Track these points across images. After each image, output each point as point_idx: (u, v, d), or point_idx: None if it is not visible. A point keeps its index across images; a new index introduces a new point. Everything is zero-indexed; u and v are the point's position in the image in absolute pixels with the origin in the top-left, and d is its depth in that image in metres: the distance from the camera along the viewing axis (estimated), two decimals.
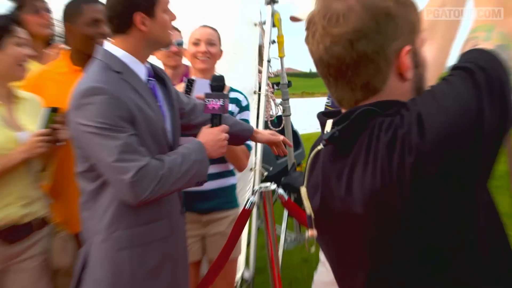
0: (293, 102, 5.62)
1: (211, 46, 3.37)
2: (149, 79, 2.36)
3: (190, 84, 3.16)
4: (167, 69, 3.74)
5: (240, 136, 2.95)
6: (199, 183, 2.31)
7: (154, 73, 2.46)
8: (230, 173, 3.42)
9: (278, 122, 5.82)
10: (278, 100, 5.48)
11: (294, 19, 2.73)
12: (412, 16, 1.24)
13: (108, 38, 2.34)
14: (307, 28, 1.27)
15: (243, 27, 4.93)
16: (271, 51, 5.02)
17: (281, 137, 3.13)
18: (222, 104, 2.47)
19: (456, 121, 1.08)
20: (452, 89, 1.12)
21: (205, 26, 3.47)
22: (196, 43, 3.37)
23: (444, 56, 1.61)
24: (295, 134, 7.90)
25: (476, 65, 1.15)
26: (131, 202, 2.14)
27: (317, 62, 1.27)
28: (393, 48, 1.21)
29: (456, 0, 1.60)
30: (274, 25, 5.07)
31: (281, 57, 5.25)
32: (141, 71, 2.32)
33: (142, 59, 2.34)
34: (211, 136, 2.40)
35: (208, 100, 2.47)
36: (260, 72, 5.00)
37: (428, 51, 1.52)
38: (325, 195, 1.29)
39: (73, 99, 2.14)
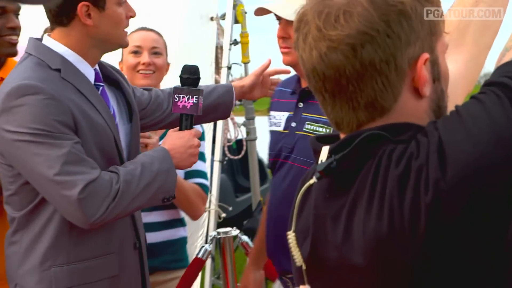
0: (259, 122, 5.59)
1: (156, 56, 3.36)
2: (96, 84, 2.39)
3: None
4: None
5: (222, 103, 2.91)
6: (166, 199, 2.36)
7: (105, 75, 2.48)
8: (180, 223, 3.39)
9: (237, 149, 5.82)
10: (240, 119, 5.47)
11: (261, 11, 2.73)
12: None
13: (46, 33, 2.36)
14: (297, 29, 1.29)
15: (194, 22, 4.91)
16: (232, 55, 5.02)
17: (267, 60, 3.07)
18: (195, 102, 2.48)
19: (488, 151, 1.11)
20: (484, 111, 1.15)
21: (145, 28, 3.44)
22: (136, 52, 3.35)
23: (476, 68, 1.64)
24: (261, 164, 7.92)
25: None
26: (81, 224, 2.18)
27: (310, 73, 1.28)
28: (407, 56, 1.23)
29: None
30: (236, 21, 5.07)
31: (245, 63, 5.24)
32: (88, 73, 2.35)
33: (90, 60, 2.36)
34: (180, 142, 2.44)
35: (178, 97, 2.49)
36: (217, 82, 5.00)
37: (455, 61, 1.56)
38: (317, 241, 1.31)
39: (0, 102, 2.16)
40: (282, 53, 2.67)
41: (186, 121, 2.51)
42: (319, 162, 1.28)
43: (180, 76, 2.54)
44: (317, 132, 2.66)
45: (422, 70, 1.25)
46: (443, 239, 1.13)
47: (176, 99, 2.48)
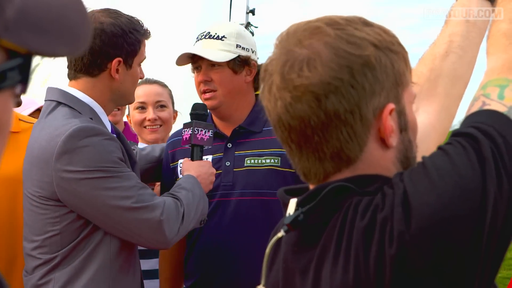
0: None
1: (161, 110, 3.43)
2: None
3: None
4: None
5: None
6: (203, 221, 2.60)
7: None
8: None
9: None
10: None
11: (183, 61, 2.79)
12: (398, 65, 1.26)
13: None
14: (262, 79, 1.29)
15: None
16: None
17: None
18: (210, 135, 2.73)
19: (451, 203, 1.11)
20: (449, 162, 1.15)
21: (149, 81, 3.48)
22: (141, 107, 3.41)
23: (447, 119, 1.62)
24: None
25: (482, 131, 1.18)
26: (160, 245, 2.49)
27: (275, 124, 1.28)
28: (372, 107, 1.23)
29: (466, 37, 1.64)
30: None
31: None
32: (108, 125, 2.48)
33: (107, 113, 2.51)
34: (203, 169, 2.65)
35: (197, 130, 2.69)
36: None
37: (427, 113, 1.55)
38: None
39: (60, 145, 2.26)
40: (205, 98, 2.75)
41: (200, 152, 2.72)
42: (287, 214, 1.27)
43: (194, 113, 2.73)
44: (261, 165, 2.73)
45: (388, 121, 1.24)
46: None
47: (196, 131, 2.69)
